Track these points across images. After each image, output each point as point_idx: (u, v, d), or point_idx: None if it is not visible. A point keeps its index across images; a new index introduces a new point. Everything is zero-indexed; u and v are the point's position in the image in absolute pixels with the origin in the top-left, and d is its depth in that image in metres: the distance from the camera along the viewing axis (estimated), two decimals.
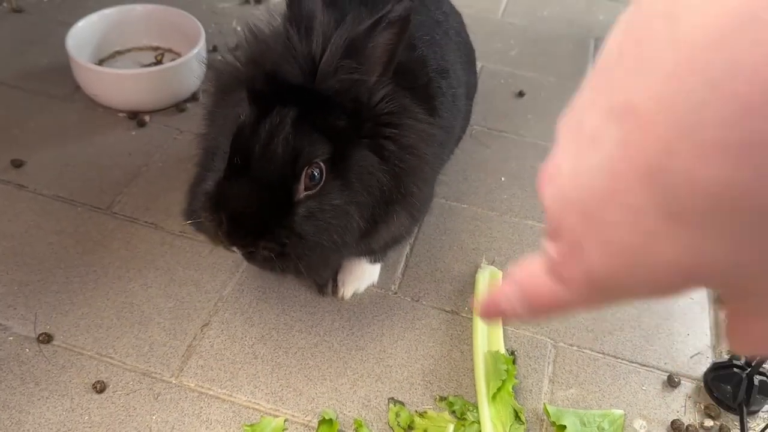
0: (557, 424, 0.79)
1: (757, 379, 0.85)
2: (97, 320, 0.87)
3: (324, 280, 0.90)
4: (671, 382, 0.87)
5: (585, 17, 1.62)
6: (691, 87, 0.20)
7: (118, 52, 1.28)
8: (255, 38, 0.74)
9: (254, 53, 0.73)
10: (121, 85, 1.14)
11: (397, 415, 0.80)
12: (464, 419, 0.80)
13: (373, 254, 0.89)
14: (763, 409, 0.85)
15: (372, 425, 0.79)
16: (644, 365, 0.89)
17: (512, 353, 0.88)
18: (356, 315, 0.91)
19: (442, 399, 0.82)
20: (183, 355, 0.84)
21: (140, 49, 1.29)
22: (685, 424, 0.83)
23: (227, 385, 0.81)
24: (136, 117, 1.16)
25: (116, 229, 0.98)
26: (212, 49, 1.32)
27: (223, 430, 0.77)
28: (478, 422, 0.79)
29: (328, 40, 0.67)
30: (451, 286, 0.96)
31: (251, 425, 0.77)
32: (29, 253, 0.94)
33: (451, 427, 0.79)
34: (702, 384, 0.88)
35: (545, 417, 0.81)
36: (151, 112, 1.18)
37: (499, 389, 0.80)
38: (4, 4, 1.41)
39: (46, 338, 0.84)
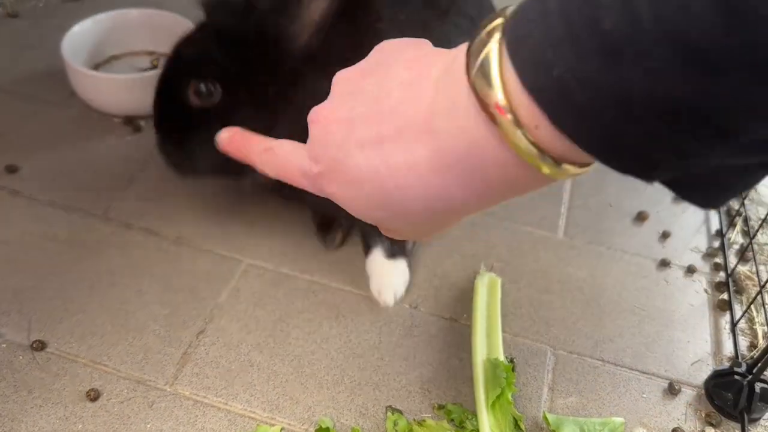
0: None
1: (758, 386, 0.84)
2: (92, 327, 0.86)
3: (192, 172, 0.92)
4: (672, 390, 0.86)
5: None
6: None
7: (114, 57, 1.27)
8: None
9: None
10: (116, 89, 1.13)
11: (395, 423, 0.79)
12: (463, 428, 0.79)
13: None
14: (765, 417, 0.84)
15: None
16: (644, 373, 0.88)
17: (511, 361, 0.87)
18: (354, 322, 0.90)
19: (441, 407, 0.81)
20: (178, 363, 0.83)
21: (136, 53, 1.28)
22: None
23: (223, 393, 0.80)
24: (131, 122, 1.15)
25: (111, 235, 0.97)
26: None
27: None
28: (477, 430, 0.78)
29: None
30: (449, 293, 0.95)
31: None
32: (23, 260, 0.92)
33: None
34: (703, 391, 0.87)
35: (545, 425, 0.80)
36: (146, 117, 1.17)
37: (498, 397, 0.79)
38: None
39: (39, 345, 0.82)
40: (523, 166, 0.30)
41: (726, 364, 0.90)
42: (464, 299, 0.94)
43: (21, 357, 0.81)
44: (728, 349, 0.93)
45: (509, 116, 0.28)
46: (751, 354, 0.92)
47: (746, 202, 1.13)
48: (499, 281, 0.95)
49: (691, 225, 1.11)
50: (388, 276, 0.92)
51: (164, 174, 1.07)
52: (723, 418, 0.84)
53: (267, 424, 0.78)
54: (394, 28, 0.81)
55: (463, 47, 0.31)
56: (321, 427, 0.77)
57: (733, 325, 0.95)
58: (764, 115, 0.24)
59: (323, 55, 0.75)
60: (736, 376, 0.85)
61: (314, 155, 0.38)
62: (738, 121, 0.25)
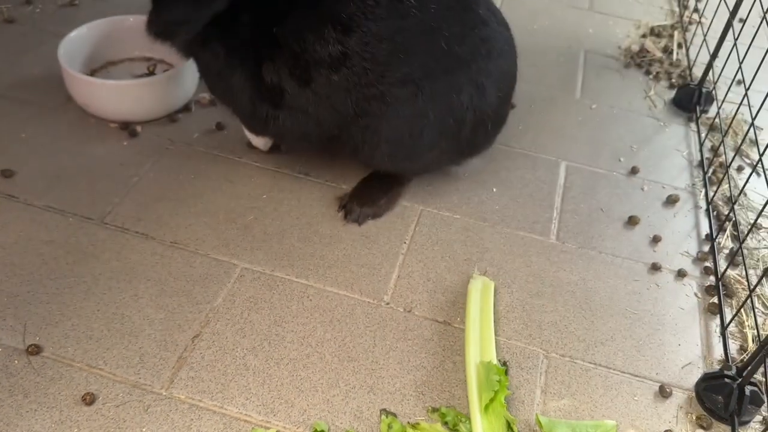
0: None
1: (748, 389, 0.85)
2: (87, 331, 0.86)
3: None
4: (663, 393, 0.87)
5: (575, 30, 1.63)
6: None
7: (111, 63, 1.28)
8: None
9: None
10: (112, 95, 1.14)
11: (390, 426, 0.79)
12: (457, 430, 0.80)
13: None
14: (755, 419, 0.86)
15: None
16: (636, 375, 0.89)
17: (504, 364, 0.88)
18: (348, 326, 0.90)
19: (435, 410, 0.82)
20: (174, 367, 0.83)
21: (133, 59, 1.29)
22: None
23: (218, 397, 0.81)
24: (127, 127, 1.16)
25: (107, 240, 0.98)
26: None
27: None
28: None
29: None
30: (443, 297, 0.96)
31: None
32: (19, 264, 0.93)
33: None
34: (693, 394, 0.88)
35: (537, 428, 0.81)
36: (143, 123, 1.18)
37: (491, 400, 0.80)
38: None
39: (35, 349, 0.83)
40: None
41: (716, 367, 0.91)
42: (458, 303, 0.95)
43: (16, 361, 0.82)
44: (718, 352, 0.94)
45: None
46: (741, 357, 0.93)
47: (736, 207, 1.15)
48: (492, 285, 0.96)
49: (682, 229, 1.12)
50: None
51: (161, 179, 1.08)
52: (714, 420, 0.85)
53: (262, 427, 0.78)
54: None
55: None
56: (316, 430, 0.78)
57: (723, 328, 0.96)
58: None
59: None
60: (727, 379, 0.86)
61: None
62: None
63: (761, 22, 1.12)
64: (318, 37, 0.91)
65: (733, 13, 1.30)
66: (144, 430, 0.77)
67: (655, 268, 1.04)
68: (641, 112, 1.38)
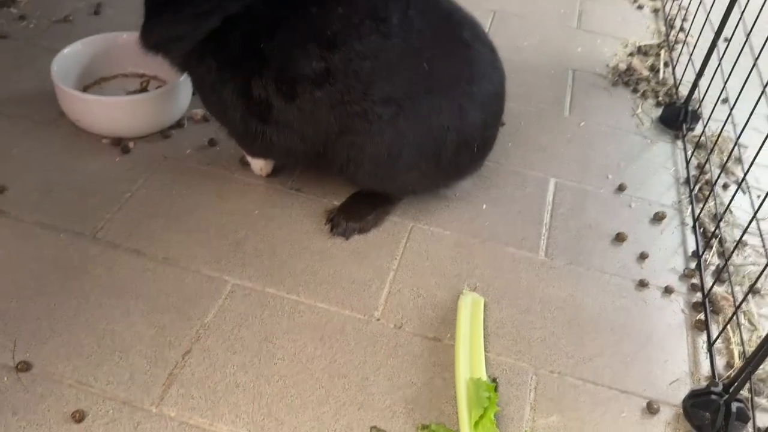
0: None
1: (734, 405, 0.86)
2: (78, 348, 0.86)
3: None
4: (650, 409, 0.88)
5: (563, 49, 1.66)
6: None
7: (104, 79, 1.28)
8: None
9: None
10: (105, 111, 1.14)
11: None
12: None
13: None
14: None
15: None
16: (624, 392, 0.90)
17: (494, 380, 0.88)
18: (339, 342, 0.91)
19: (425, 427, 0.82)
20: (164, 384, 0.83)
21: (126, 75, 1.30)
22: None
23: (208, 414, 0.81)
24: (120, 143, 1.17)
25: (98, 256, 0.98)
26: None
27: None
28: None
29: None
30: (433, 313, 0.97)
31: None
32: (9, 280, 0.93)
33: None
34: (681, 411, 0.89)
35: None
36: (135, 139, 1.18)
37: (481, 417, 0.80)
38: None
39: (24, 366, 0.83)
40: None
41: (703, 384, 0.92)
42: (448, 319, 0.96)
43: (5, 378, 0.82)
44: (705, 368, 0.95)
45: None
46: (728, 373, 0.94)
47: (722, 224, 1.16)
48: (482, 301, 0.97)
49: (669, 246, 1.14)
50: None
51: (153, 195, 1.09)
52: None
53: None
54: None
55: None
56: None
57: (710, 345, 0.97)
58: None
59: None
60: (713, 396, 0.87)
61: None
62: None
63: (745, 42, 1.15)
64: (303, 53, 0.93)
65: (718, 32, 1.32)
66: None
67: (642, 284, 1.05)
68: (629, 130, 1.40)
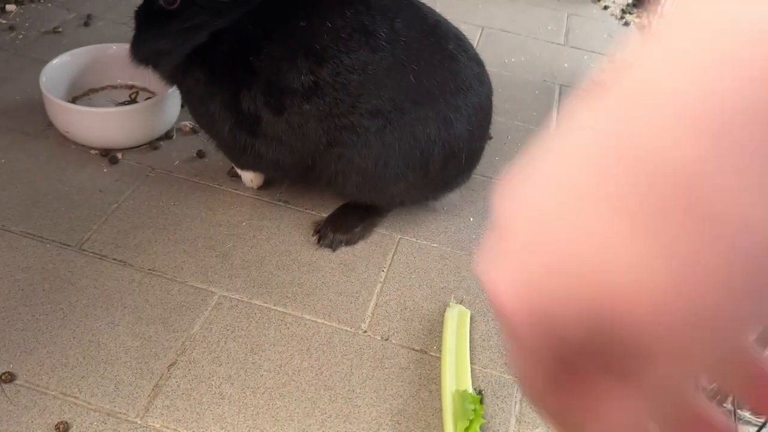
0: None
1: None
2: (62, 359, 0.86)
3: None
4: None
5: (550, 64, 1.68)
6: None
7: (93, 90, 1.29)
8: None
9: None
10: (93, 122, 1.15)
11: None
12: None
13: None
14: None
15: None
16: None
17: (480, 393, 0.89)
18: (326, 354, 0.91)
19: None
20: (149, 395, 0.83)
21: (115, 87, 1.30)
22: None
23: (193, 426, 0.80)
24: (108, 154, 1.17)
25: (85, 267, 0.98)
26: None
27: None
28: None
29: None
30: (420, 325, 0.97)
31: None
32: None
33: None
34: None
35: None
36: (124, 150, 1.19)
37: (466, 429, 0.81)
38: None
39: (8, 377, 0.82)
40: None
41: None
42: (434, 331, 0.96)
43: None
44: None
45: None
46: (712, 386, 0.95)
47: None
48: (468, 313, 0.98)
49: None
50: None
51: (140, 206, 1.09)
52: None
53: None
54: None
55: None
56: None
57: None
58: None
59: None
60: None
61: None
62: None
63: None
64: (291, 66, 0.94)
65: None
66: None
67: None
68: None
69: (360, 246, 1.09)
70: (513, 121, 1.43)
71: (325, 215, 1.12)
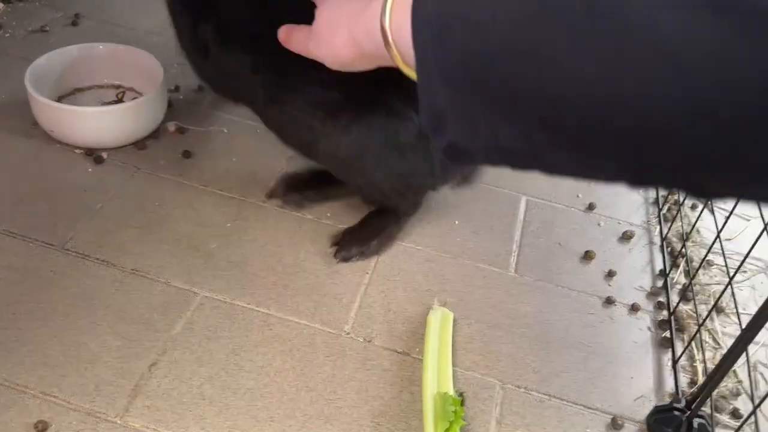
0: None
1: (696, 422, 0.87)
2: (43, 358, 0.85)
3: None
4: (615, 425, 0.89)
5: None
6: None
7: (78, 90, 1.28)
8: None
9: None
10: (78, 121, 1.14)
11: None
12: None
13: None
14: None
15: None
16: (589, 408, 0.91)
17: (461, 395, 0.89)
18: (308, 356, 0.91)
19: None
20: (129, 395, 0.83)
21: (101, 87, 1.30)
22: None
23: (173, 426, 0.80)
24: (93, 154, 1.16)
25: (67, 266, 0.97)
26: (174, 89, 1.33)
27: None
28: None
29: None
30: (403, 327, 0.97)
31: None
32: None
33: None
34: (645, 427, 0.90)
35: None
36: (109, 150, 1.18)
37: (446, 430, 0.81)
38: None
39: None
40: (390, 60, 0.48)
41: (667, 400, 0.93)
42: (417, 333, 0.97)
43: None
44: (670, 385, 0.97)
45: (391, 40, 0.47)
46: (691, 390, 0.96)
47: (689, 243, 1.19)
48: (451, 316, 0.98)
49: (636, 265, 1.16)
50: None
51: (125, 206, 1.09)
52: None
53: None
54: None
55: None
56: None
57: (675, 362, 0.99)
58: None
59: None
60: (676, 412, 0.89)
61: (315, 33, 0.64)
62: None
63: None
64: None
65: None
66: None
67: (609, 301, 1.07)
68: None
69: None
70: None
71: (310, 217, 1.13)
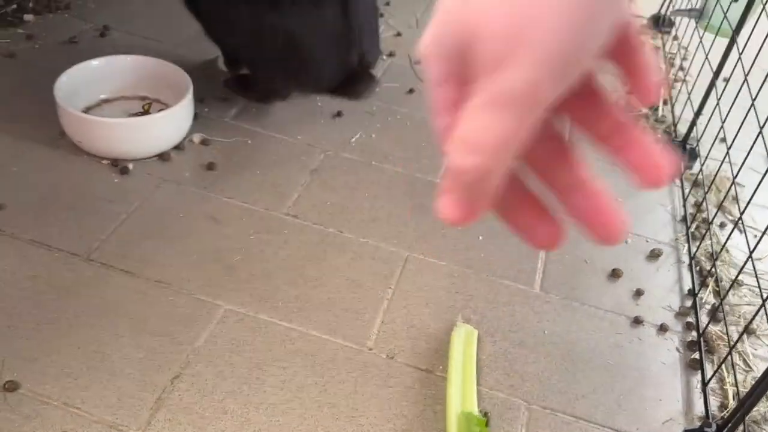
0: None
1: None
2: (66, 369, 0.85)
3: None
4: None
5: None
6: None
7: (106, 101, 1.29)
8: None
9: None
10: (105, 132, 1.15)
11: None
12: None
13: None
14: None
15: None
16: (616, 430, 0.89)
17: (485, 414, 0.87)
18: (330, 371, 0.90)
19: None
20: (151, 408, 0.82)
21: (128, 98, 1.31)
22: None
23: None
24: (119, 165, 1.17)
25: (92, 276, 0.98)
26: (200, 101, 1.34)
27: None
28: None
29: None
30: (426, 344, 0.96)
31: None
32: (2, 298, 0.92)
33: None
34: None
35: None
36: (134, 161, 1.19)
37: None
38: None
39: (11, 386, 0.82)
40: None
41: (697, 424, 0.91)
42: (441, 350, 0.95)
43: None
44: (699, 408, 0.94)
45: None
46: (722, 414, 0.94)
47: (718, 263, 1.16)
48: (475, 333, 0.96)
49: (664, 284, 1.13)
50: None
51: (149, 217, 1.09)
52: None
53: None
54: None
55: None
56: None
57: (704, 384, 0.96)
58: None
59: None
60: None
61: None
62: None
63: (743, 83, 1.16)
64: None
65: (717, 72, 1.33)
66: None
67: (637, 321, 1.05)
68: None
69: (367, 262, 1.08)
70: None
71: (332, 230, 1.12)
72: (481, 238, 1.16)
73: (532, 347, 0.98)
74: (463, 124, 0.24)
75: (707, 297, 1.12)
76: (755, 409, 0.92)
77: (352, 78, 1.29)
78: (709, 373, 0.98)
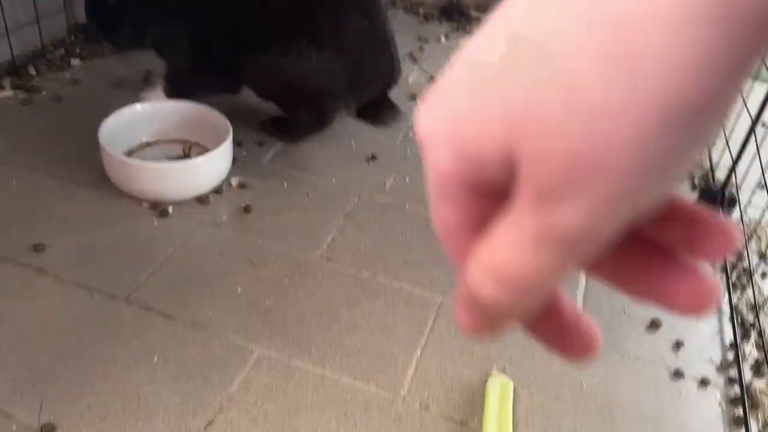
0: None
1: None
2: (103, 411, 0.86)
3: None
4: None
5: None
6: None
7: (147, 144, 1.33)
8: None
9: None
10: (146, 176, 1.18)
11: None
12: None
13: None
14: None
15: None
16: None
17: None
18: (363, 420, 0.89)
19: None
20: None
21: (169, 141, 1.34)
22: None
23: None
24: (158, 207, 1.19)
25: (131, 318, 0.99)
26: (238, 144, 1.37)
27: None
28: None
29: None
30: (460, 395, 0.95)
31: None
32: (41, 339, 0.94)
33: None
34: None
35: None
36: (174, 203, 1.21)
37: None
38: (44, 92, 1.48)
39: (49, 428, 0.83)
40: None
41: None
42: (475, 401, 0.94)
43: None
44: None
45: None
46: None
47: (761, 314, 1.13)
48: (511, 385, 0.95)
49: (705, 335, 1.11)
50: None
51: (187, 259, 1.10)
52: None
53: None
54: None
55: None
56: None
57: None
58: None
59: None
60: None
61: None
62: None
63: None
64: None
65: (756, 118, 1.32)
66: None
67: (677, 374, 1.02)
68: None
69: (401, 308, 1.08)
70: None
71: (366, 274, 1.12)
72: None
73: (569, 400, 0.96)
74: (493, 250, 0.20)
75: (750, 349, 1.09)
76: None
77: (376, 105, 1.48)
78: (753, 430, 0.94)
